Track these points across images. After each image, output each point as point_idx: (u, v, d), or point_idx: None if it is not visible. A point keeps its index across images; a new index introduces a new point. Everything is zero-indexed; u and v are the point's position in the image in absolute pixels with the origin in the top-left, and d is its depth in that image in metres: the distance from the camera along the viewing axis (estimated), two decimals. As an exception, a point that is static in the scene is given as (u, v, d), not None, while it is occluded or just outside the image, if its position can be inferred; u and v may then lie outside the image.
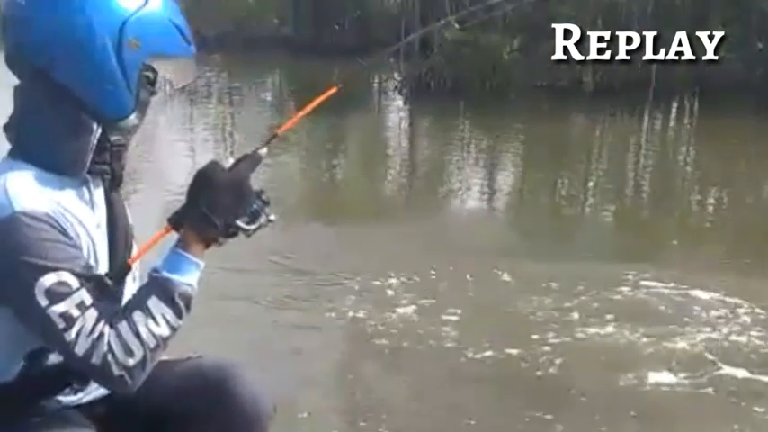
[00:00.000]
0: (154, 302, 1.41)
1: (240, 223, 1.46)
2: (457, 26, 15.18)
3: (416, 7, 17.45)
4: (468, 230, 6.55)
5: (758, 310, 4.45)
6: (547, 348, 3.96)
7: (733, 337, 4.14)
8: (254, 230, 1.48)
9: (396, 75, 16.21)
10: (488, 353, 3.91)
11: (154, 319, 1.40)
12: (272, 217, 1.49)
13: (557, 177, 8.94)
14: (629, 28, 12.13)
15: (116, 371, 1.38)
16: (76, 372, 1.45)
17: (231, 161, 1.48)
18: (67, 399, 1.56)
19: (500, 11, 15.57)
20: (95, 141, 1.46)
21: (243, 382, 1.63)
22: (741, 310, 4.46)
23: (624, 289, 4.77)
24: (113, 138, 1.48)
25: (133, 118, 1.48)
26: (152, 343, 1.40)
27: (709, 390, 3.59)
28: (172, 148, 10.26)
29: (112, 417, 1.62)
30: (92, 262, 1.48)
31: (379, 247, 5.63)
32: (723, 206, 8.03)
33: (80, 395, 1.58)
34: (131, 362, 1.38)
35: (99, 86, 1.43)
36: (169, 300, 1.41)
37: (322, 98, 1.58)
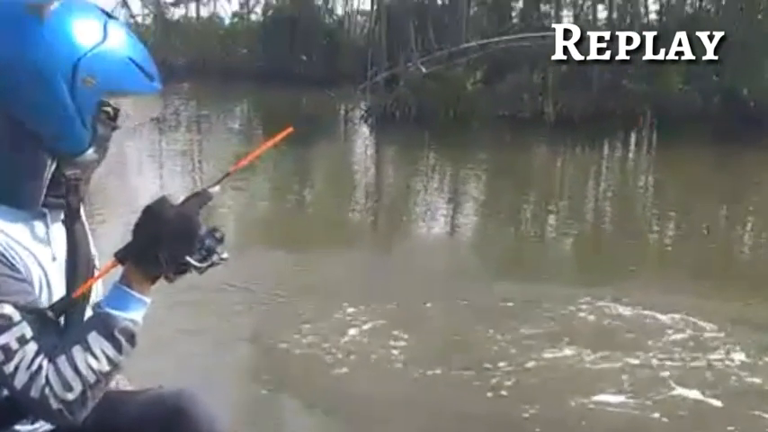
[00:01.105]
0: (93, 337, 1.41)
1: (191, 260, 1.43)
2: (424, 69, 15.43)
3: (382, 40, 17.62)
4: (429, 256, 6.61)
5: (716, 334, 4.52)
6: (503, 371, 4.01)
7: (690, 360, 4.21)
8: (206, 268, 1.44)
9: (362, 104, 16.33)
10: (444, 376, 3.95)
11: (93, 354, 1.40)
12: (225, 255, 1.45)
13: (519, 205, 9.05)
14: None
15: (55, 405, 1.38)
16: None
17: (182, 198, 1.45)
18: (25, 428, 1.56)
19: (464, 57, 15.79)
20: (49, 176, 1.46)
21: (200, 404, 1.63)
22: (699, 333, 4.54)
23: (582, 313, 4.84)
24: (69, 172, 1.48)
25: (91, 152, 1.47)
26: (92, 378, 1.40)
27: (658, 414, 3.63)
28: (139, 175, 10.24)
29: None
30: (44, 295, 1.48)
31: (341, 273, 5.66)
32: (682, 232, 8.16)
33: (36, 425, 1.57)
34: (70, 396, 1.39)
35: (55, 120, 1.43)
36: (109, 335, 1.41)
37: (278, 138, 1.56)
